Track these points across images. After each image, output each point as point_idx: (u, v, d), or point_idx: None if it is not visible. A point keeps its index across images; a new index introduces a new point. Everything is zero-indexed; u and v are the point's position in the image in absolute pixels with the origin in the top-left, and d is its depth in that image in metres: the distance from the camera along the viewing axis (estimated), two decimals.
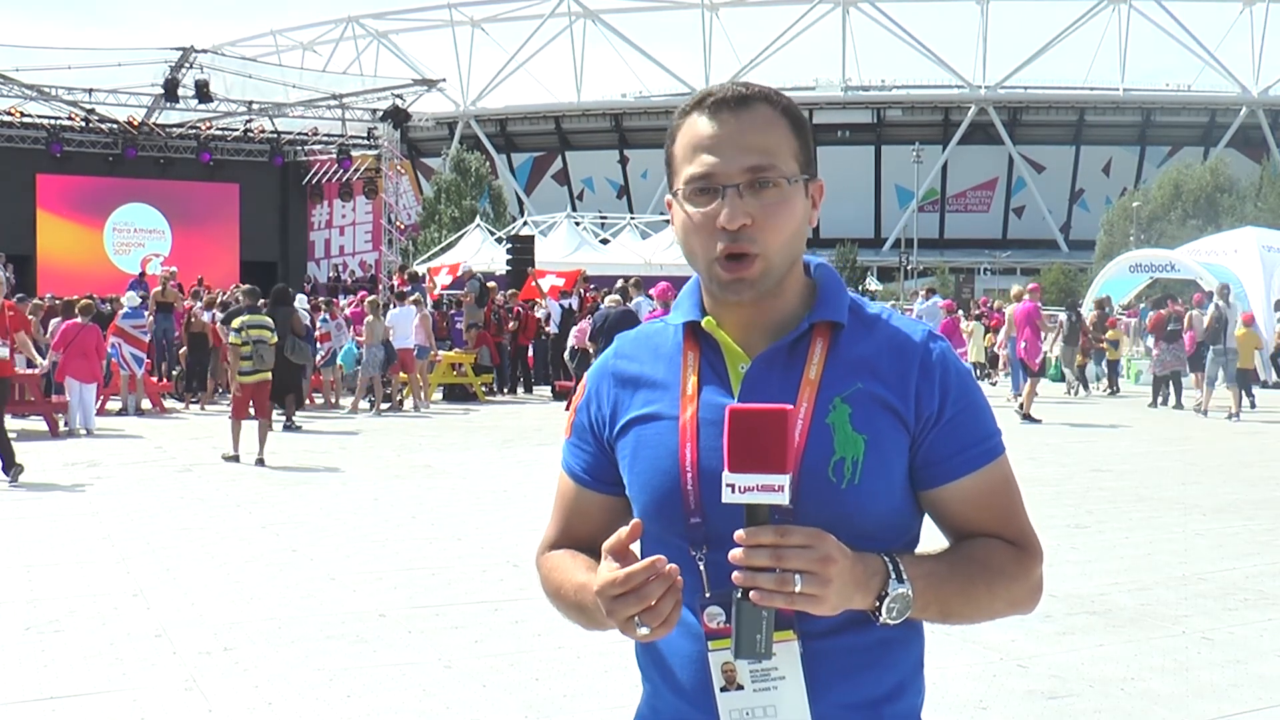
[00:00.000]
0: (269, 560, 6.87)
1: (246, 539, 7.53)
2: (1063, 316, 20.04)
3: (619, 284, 17.23)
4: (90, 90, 23.74)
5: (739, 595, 1.27)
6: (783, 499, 1.27)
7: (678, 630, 1.38)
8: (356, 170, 26.54)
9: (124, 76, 23.72)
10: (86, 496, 9.12)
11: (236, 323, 11.78)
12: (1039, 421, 14.93)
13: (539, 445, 12.54)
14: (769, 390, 1.42)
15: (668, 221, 1.54)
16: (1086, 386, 20.73)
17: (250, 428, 11.24)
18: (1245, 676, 4.74)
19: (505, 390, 19.84)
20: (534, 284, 22.13)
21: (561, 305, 20.61)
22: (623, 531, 1.36)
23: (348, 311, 19.01)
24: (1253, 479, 10.37)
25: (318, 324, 17.23)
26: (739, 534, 1.28)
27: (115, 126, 25.04)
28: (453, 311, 21.10)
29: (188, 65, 23.50)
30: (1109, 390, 20.82)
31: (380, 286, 24.19)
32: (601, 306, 15.93)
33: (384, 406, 16.59)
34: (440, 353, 18.87)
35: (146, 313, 16.95)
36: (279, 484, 9.89)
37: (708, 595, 1.40)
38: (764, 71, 68.94)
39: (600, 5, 73.17)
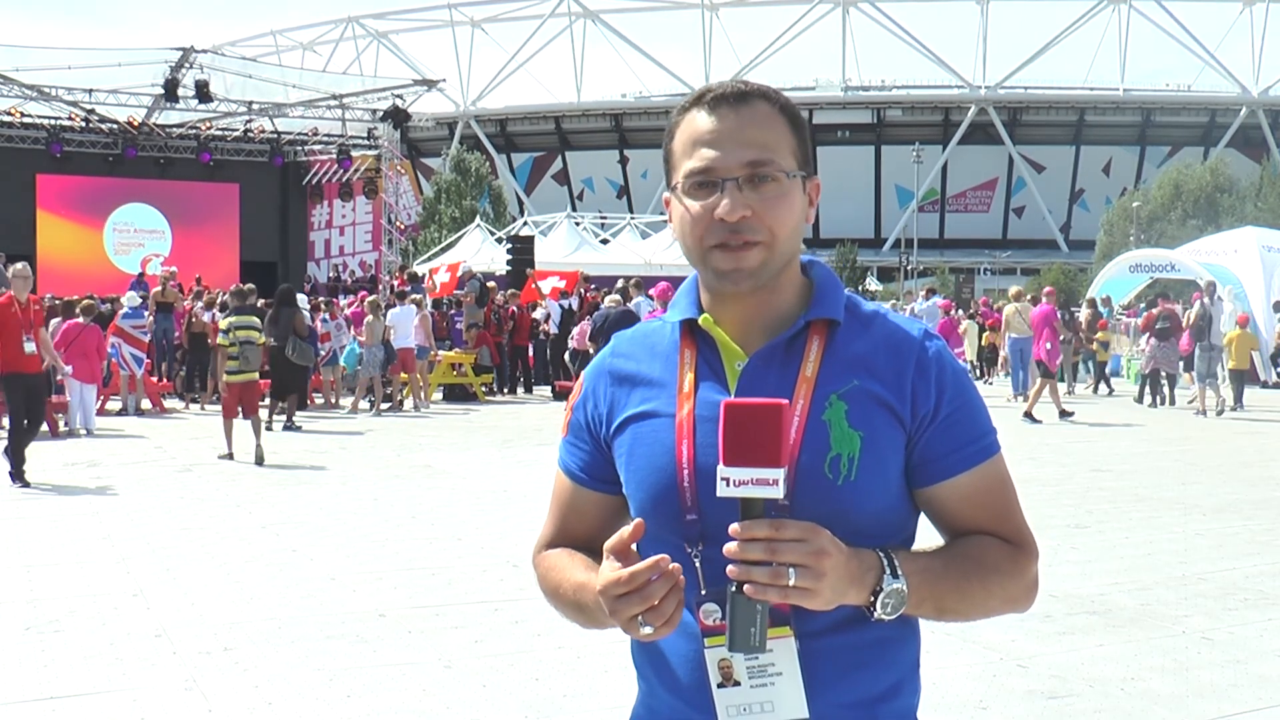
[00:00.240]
0: (269, 560, 6.87)
1: (246, 539, 7.53)
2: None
3: (619, 284, 17.24)
4: (90, 90, 23.76)
5: (733, 588, 1.28)
6: (777, 493, 1.28)
7: None
8: (356, 170, 26.54)
9: (124, 76, 23.74)
10: (86, 496, 9.12)
11: (224, 323, 11.88)
12: (1039, 422, 14.97)
13: (539, 445, 12.53)
14: (766, 387, 1.42)
15: (667, 221, 1.54)
16: (1069, 387, 20.73)
17: (245, 428, 11.29)
18: (1245, 676, 4.74)
19: (505, 390, 19.84)
20: (534, 285, 22.13)
21: (561, 306, 20.61)
22: (625, 531, 1.36)
23: (348, 311, 19.01)
24: (1253, 479, 10.37)
25: (318, 324, 17.23)
26: (734, 527, 1.28)
27: (115, 126, 25.05)
28: (453, 311, 21.11)
29: (188, 65, 23.52)
30: (1095, 389, 20.82)
31: (380, 286, 24.20)
32: (601, 306, 15.94)
33: (384, 406, 16.59)
34: (440, 353, 18.89)
35: (146, 313, 16.96)
36: (279, 484, 9.89)
37: (704, 592, 1.40)
38: (764, 71, 68.97)
39: (600, 5, 73.18)
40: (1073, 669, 4.82)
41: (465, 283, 20.69)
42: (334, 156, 26.43)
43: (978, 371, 23.90)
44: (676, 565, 1.32)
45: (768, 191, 1.43)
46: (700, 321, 1.50)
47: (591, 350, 14.71)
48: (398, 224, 27.68)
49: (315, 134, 27.01)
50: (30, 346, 9.80)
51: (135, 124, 25.04)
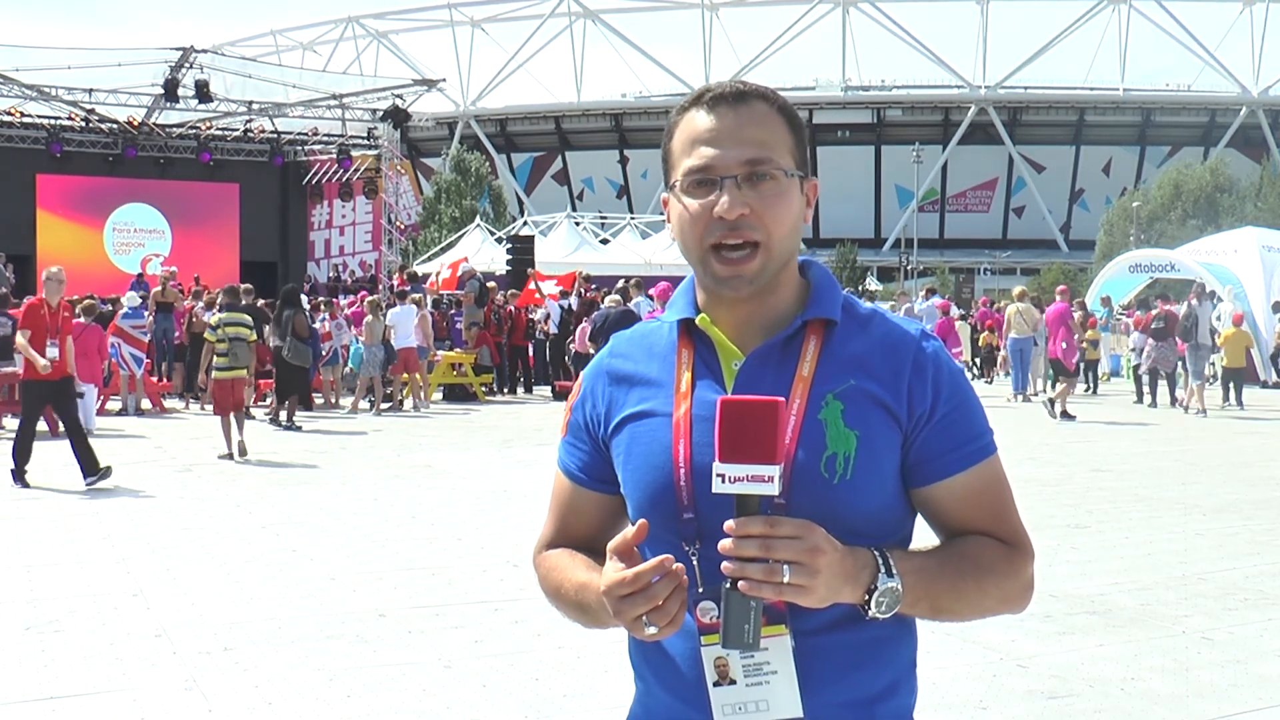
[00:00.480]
0: (269, 560, 6.87)
1: (246, 539, 7.53)
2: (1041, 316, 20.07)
3: (619, 284, 17.24)
4: (90, 90, 23.77)
5: (728, 585, 1.28)
6: (772, 490, 1.28)
7: None
8: (356, 170, 26.55)
9: (124, 76, 23.75)
10: (86, 496, 9.12)
11: (214, 320, 11.97)
12: (1074, 418, 15.24)
13: (539, 445, 12.53)
14: (762, 386, 1.42)
15: (666, 222, 1.54)
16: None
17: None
18: (1245, 676, 4.74)
19: (505, 390, 19.84)
20: (533, 287, 22.13)
21: (561, 306, 20.61)
22: (628, 532, 1.36)
23: (348, 311, 19.02)
24: (1253, 479, 10.37)
25: (318, 324, 17.23)
26: (729, 524, 1.29)
27: (115, 126, 25.06)
28: (453, 311, 21.11)
29: (188, 65, 23.52)
30: (1087, 389, 20.81)
31: (380, 286, 24.20)
32: (601, 307, 15.95)
33: (384, 406, 16.60)
34: (440, 353, 18.88)
35: (146, 313, 16.96)
36: (279, 484, 9.89)
37: (700, 591, 1.41)
38: (764, 71, 68.99)
39: (600, 5, 73.19)
40: (1073, 669, 4.82)
41: (465, 282, 20.69)
42: (334, 156, 26.44)
43: (974, 372, 23.93)
44: (680, 565, 1.33)
45: (766, 190, 1.43)
46: (697, 321, 1.50)
47: (592, 351, 14.71)
48: (398, 224, 27.68)
49: (315, 134, 27.02)
50: (53, 352, 9.46)
51: (135, 124, 25.05)
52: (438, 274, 25.20)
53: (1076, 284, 47.79)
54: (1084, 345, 21.17)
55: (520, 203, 65.73)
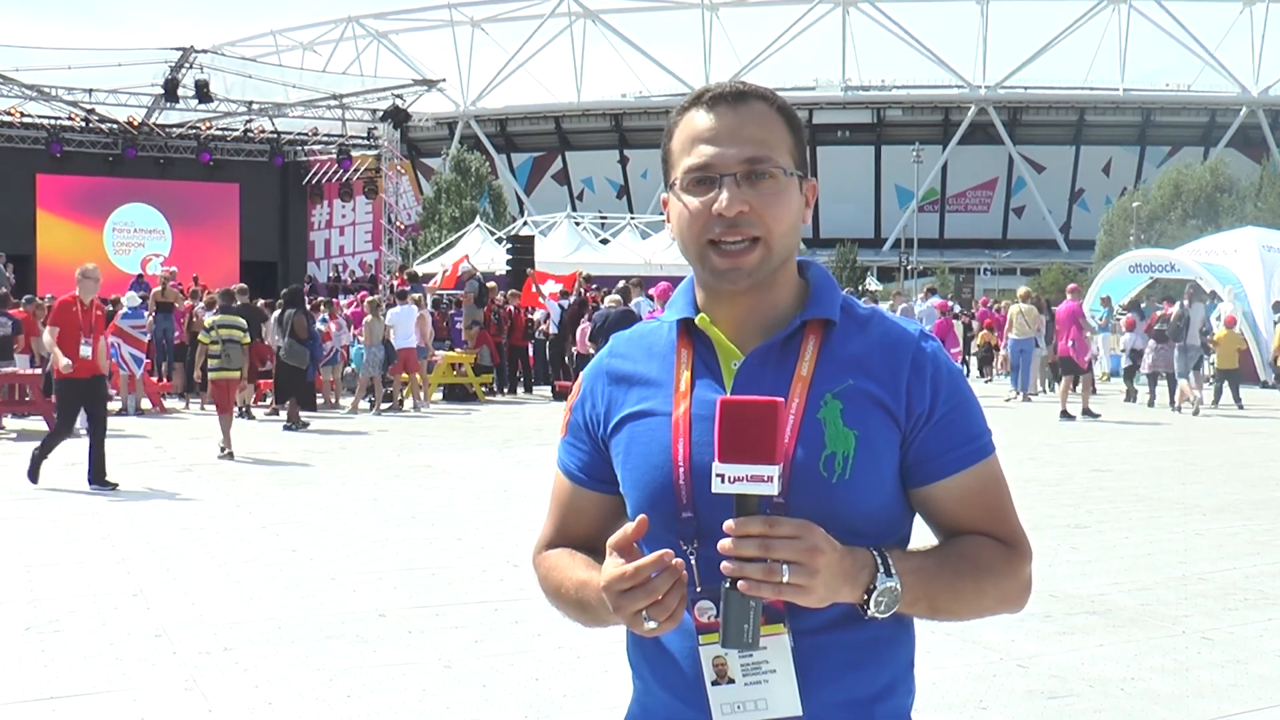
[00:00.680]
0: (269, 560, 6.87)
1: (246, 539, 7.53)
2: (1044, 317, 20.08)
3: (619, 284, 17.24)
4: (90, 90, 23.75)
5: (727, 585, 1.28)
6: (772, 489, 1.28)
7: None
8: (356, 170, 26.54)
9: (124, 76, 23.73)
10: (86, 496, 9.12)
11: (208, 321, 12.06)
12: (1098, 415, 15.33)
13: (539, 445, 12.54)
14: (761, 386, 1.42)
15: (666, 222, 1.55)
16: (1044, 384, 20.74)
17: (239, 424, 11.48)
18: (1245, 676, 4.75)
19: (505, 390, 19.84)
20: (534, 288, 22.13)
21: (561, 306, 20.62)
22: (628, 528, 1.37)
23: (348, 311, 19.01)
24: (1253, 479, 10.37)
25: (320, 324, 17.23)
26: (728, 524, 1.29)
27: (115, 126, 25.05)
28: (453, 311, 21.10)
29: (188, 65, 23.51)
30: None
31: (380, 286, 24.19)
32: (601, 307, 15.95)
33: (384, 406, 16.60)
34: (440, 353, 18.88)
35: (146, 313, 16.95)
36: (279, 484, 9.89)
37: (699, 590, 1.41)
38: (764, 71, 69.03)
39: (600, 5, 73.21)
40: (1073, 669, 4.82)
41: (465, 282, 20.69)
42: (334, 156, 26.43)
43: (971, 371, 23.95)
44: (679, 560, 1.33)
45: (765, 188, 1.44)
46: (696, 321, 1.51)
47: (592, 351, 14.71)
48: (398, 224, 27.67)
49: (315, 134, 27.00)
50: (86, 351, 9.33)
51: (135, 124, 25.03)
52: (443, 272, 25.19)
53: (1078, 284, 47.85)
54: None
55: (520, 203, 65.75)
